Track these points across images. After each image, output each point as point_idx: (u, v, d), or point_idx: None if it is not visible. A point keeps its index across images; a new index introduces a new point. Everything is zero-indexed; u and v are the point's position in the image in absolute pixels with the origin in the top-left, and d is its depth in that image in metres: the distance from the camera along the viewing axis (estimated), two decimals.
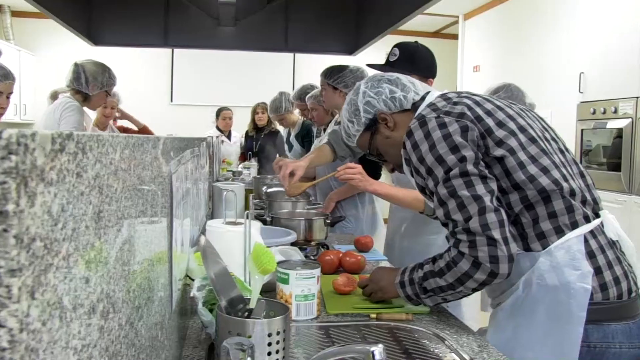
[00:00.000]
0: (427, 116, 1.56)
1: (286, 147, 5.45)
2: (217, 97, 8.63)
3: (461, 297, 1.56)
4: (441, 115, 1.55)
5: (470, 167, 1.47)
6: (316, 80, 4.98)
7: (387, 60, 2.67)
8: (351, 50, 4.19)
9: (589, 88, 5.26)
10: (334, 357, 0.85)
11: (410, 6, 3.14)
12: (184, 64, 8.76)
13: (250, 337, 1.08)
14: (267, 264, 1.24)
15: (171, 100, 8.77)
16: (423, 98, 1.71)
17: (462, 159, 1.47)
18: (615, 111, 4.83)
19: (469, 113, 1.54)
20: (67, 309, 0.43)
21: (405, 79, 1.76)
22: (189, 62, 8.70)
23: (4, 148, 0.31)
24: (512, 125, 1.55)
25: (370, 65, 3.23)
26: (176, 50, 8.67)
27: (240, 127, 6.65)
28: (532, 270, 1.50)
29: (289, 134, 5.35)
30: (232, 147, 6.29)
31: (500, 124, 1.54)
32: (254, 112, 6.11)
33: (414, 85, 1.75)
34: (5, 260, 0.31)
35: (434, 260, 1.54)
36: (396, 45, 2.66)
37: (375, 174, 3.44)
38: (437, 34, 9.57)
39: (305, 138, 4.95)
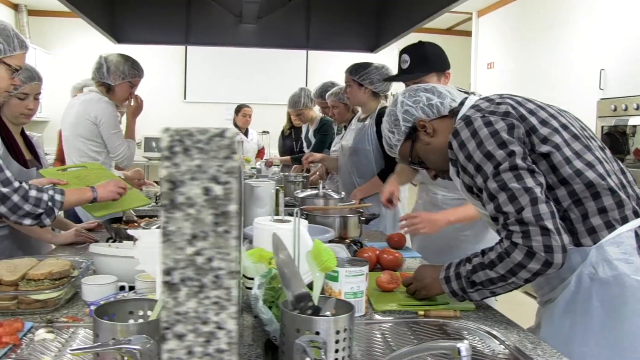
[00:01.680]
0: (473, 116, 1.60)
1: (304, 143, 5.46)
2: (230, 94, 8.63)
3: (511, 290, 1.56)
4: (486, 114, 1.59)
5: (519, 161, 1.50)
6: (329, 77, 5.00)
7: (400, 69, 2.69)
8: (372, 47, 4.19)
9: (610, 84, 5.23)
10: (420, 353, 0.86)
11: (434, 5, 3.14)
12: (197, 62, 8.76)
13: (318, 334, 1.09)
14: (328, 261, 1.25)
15: (184, 98, 8.78)
16: (462, 103, 1.74)
17: (511, 154, 1.51)
18: (637, 108, 4.80)
19: (513, 112, 1.59)
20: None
21: (440, 87, 1.81)
22: (202, 60, 8.70)
23: (227, 147, 0.31)
24: (554, 123, 1.60)
25: (387, 79, 3.26)
26: (189, 48, 8.68)
27: (252, 124, 6.64)
28: (583, 265, 1.52)
29: (307, 130, 5.36)
30: (250, 144, 6.28)
31: (544, 122, 1.58)
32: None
33: (450, 93, 1.79)
34: (227, 262, 0.32)
35: (483, 253, 1.55)
36: (403, 52, 2.67)
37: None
38: (450, 30, 9.54)
39: (320, 132, 4.95)
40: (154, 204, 3.74)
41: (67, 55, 8.22)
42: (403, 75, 2.65)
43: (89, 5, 3.35)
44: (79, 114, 3.21)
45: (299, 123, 6.07)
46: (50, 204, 1.98)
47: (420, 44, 2.68)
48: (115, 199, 2.31)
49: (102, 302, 1.50)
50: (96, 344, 0.98)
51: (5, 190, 1.88)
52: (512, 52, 7.28)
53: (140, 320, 1.20)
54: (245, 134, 6.38)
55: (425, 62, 2.59)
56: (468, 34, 8.65)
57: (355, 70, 3.45)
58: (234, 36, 4.08)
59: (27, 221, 1.96)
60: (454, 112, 1.73)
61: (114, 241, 2.38)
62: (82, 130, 3.21)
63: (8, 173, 1.90)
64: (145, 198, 2.63)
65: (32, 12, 8.34)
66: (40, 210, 1.96)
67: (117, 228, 2.40)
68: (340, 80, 4.59)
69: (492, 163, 1.52)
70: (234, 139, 0.30)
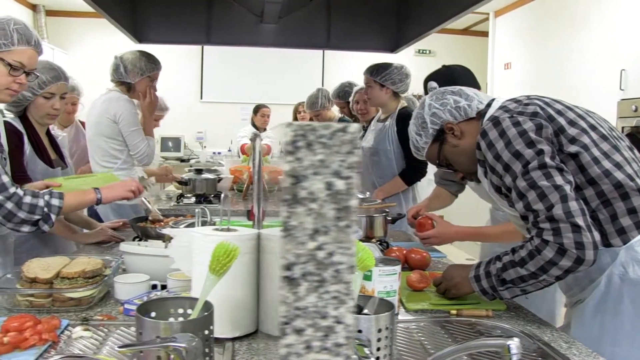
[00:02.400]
0: (501, 117, 1.60)
1: None
2: (246, 94, 8.65)
3: (542, 288, 1.56)
4: (514, 115, 1.59)
5: (547, 160, 1.50)
6: (345, 77, 4.99)
7: None
8: (393, 48, 4.17)
9: (630, 85, 5.19)
10: (469, 351, 0.85)
11: (457, 6, 3.12)
12: (213, 62, 8.79)
13: (360, 332, 1.08)
14: (367, 260, 1.24)
15: (201, 98, 8.81)
16: (489, 105, 1.74)
17: (540, 152, 1.51)
18: None
19: (541, 112, 1.59)
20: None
21: (468, 89, 1.82)
22: (218, 60, 8.73)
23: (349, 142, 0.31)
24: (582, 123, 1.60)
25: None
26: (206, 49, 8.72)
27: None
28: (613, 266, 1.52)
29: None
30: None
31: (572, 123, 1.59)
32: (296, 111, 6.10)
33: (477, 95, 1.79)
34: (347, 256, 0.32)
35: (513, 250, 1.55)
36: (429, 79, 2.60)
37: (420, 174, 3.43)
38: (466, 31, 9.49)
39: None
40: (175, 203, 3.76)
41: (84, 55, 8.26)
42: None
43: (112, 5, 3.37)
44: (100, 113, 3.23)
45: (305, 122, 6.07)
46: (46, 209, 1.90)
47: (447, 69, 2.62)
48: (128, 198, 2.19)
49: (144, 300, 1.51)
50: (143, 342, 0.99)
51: None
52: (529, 52, 7.24)
53: (181, 319, 1.21)
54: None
55: (455, 84, 2.53)
56: (485, 34, 8.62)
57: (377, 71, 3.45)
58: (255, 36, 4.08)
59: (25, 228, 1.89)
60: (481, 114, 1.74)
61: (140, 240, 2.39)
62: (103, 128, 3.23)
63: (5, 178, 1.83)
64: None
65: (49, 13, 8.40)
66: (37, 217, 1.88)
67: (143, 227, 2.41)
68: (357, 80, 4.60)
69: (520, 162, 1.52)
70: (356, 134, 0.30)
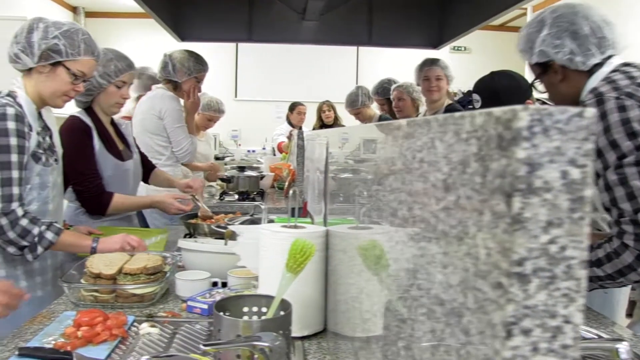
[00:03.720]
0: (606, 95, 1.45)
1: None
2: (280, 92, 8.66)
3: (620, 287, 1.50)
4: (622, 96, 1.43)
5: None
6: (380, 74, 4.95)
7: (473, 109, 2.50)
8: (435, 44, 4.13)
9: None
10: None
11: (503, 3, 3.06)
12: (247, 60, 8.82)
13: None
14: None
15: (235, 96, 8.84)
16: (602, 62, 1.59)
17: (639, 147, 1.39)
18: None
19: None
20: None
21: (592, 37, 1.59)
22: (252, 58, 8.75)
23: (585, 128, 0.29)
24: None
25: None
26: (240, 47, 8.74)
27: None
28: None
29: None
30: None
31: None
32: (320, 110, 6.12)
33: (598, 48, 1.59)
34: (579, 250, 0.29)
35: (590, 248, 1.48)
36: (474, 90, 2.45)
37: None
38: (502, 27, 9.35)
39: None
40: (219, 200, 3.76)
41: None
42: None
43: (157, 4, 3.39)
44: (146, 110, 3.24)
45: (330, 121, 6.04)
46: (36, 239, 1.78)
47: (490, 77, 2.45)
48: (119, 250, 1.92)
49: (206, 297, 1.51)
50: (228, 340, 0.98)
51: None
52: None
53: (255, 317, 1.19)
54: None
55: (498, 99, 2.34)
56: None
57: (437, 65, 3.48)
58: (296, 33, 4.08)
59: (11, 249, 1.78)
60: (592, 71, 1.59)
61: (191, 236, 2.39)
62: (148, 124, 3.24)
63: (15, 190, 1.75)
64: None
65: (89, 14, 8.53)
66: (25, 243, 1.77)
67: (195, 224, 2.41)
68: (394, 77, 4.57)
69: (616, 153, 1.40)
70: (593, 119, 0.28)
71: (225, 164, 6.29)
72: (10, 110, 1.73)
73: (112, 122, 2.54)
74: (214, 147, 8.34)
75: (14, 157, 1.73)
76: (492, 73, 2.47)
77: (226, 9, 4.02)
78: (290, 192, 1.49)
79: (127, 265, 1.68)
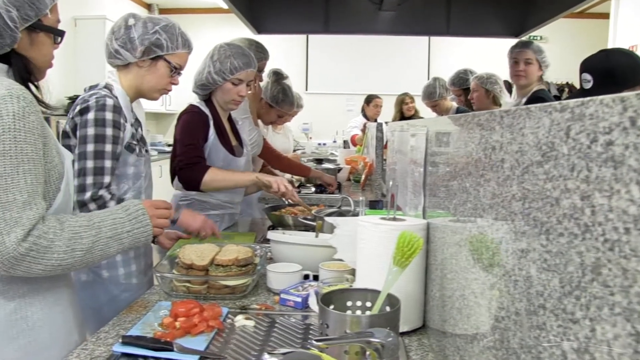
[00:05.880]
0: None
1: None
2: (351, 85, 8.63)
3: None
4: None
5: None
6: (452, 65, 4.79)
7: (581, 90, 2.31)
8: (517, 33, 3.97)
9: None
10: None
11: None
12: (318, 53, 8.83)
13: None
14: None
15: (306, 89, 8.85)
16: None
17: None
18: None
19: None
20: None
21: None
22: (322, 51, 8.75)
23: None
24: None
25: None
26: (310, 39, 8.76)
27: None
28: None
29: None
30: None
31: None
32: (402, 102, 6.01)
33: None
34: None
35: None
36: (584, 69, 2.25)
37: None
38: (582, 14, 8.96)
39: None
40: (298, 190, 3.75)
41: (196, 51, 8.51)
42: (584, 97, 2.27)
43: None
44: None
45: (411, 113, 5.93)
46: None
47: (603, 55, 2.25)
48: (197, 233, 1.98)
49: (325, 291, 1.48)
50: (341, 336, 0.94)
51: (86, 193, 1.72)
52: None
53: (358, 312, 1.15)
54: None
55: (613, 78, 2.13)
56: (604, 16, 8.09)
57: (539, 49, 3.31)
58: (373, 24, 4.01)
59: None
60: None
61: (275, 228, 2.38)
62: None
63: (106, 179, 1.75)
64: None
65: (162, 11, 8.75)
66: None
67: (279, 215, 2.40)
68: (469, 67, 4.43)
69: None
70: None
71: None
72: (109, 102, 1.76)
73: (229, 119, 2.56)
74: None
75: (108, 147, 1.76)
76: (604, 50, 2.30)
77: (303, 1, 3.99)
78: (390, 183, 1.44)
79: (219, 256, 1.67)
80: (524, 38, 3.93)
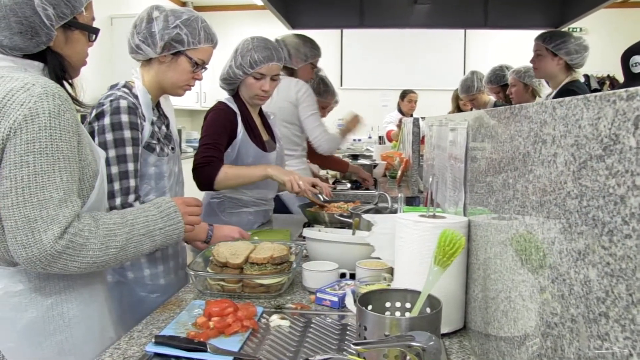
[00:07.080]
0: None
1: None
2: (386, 80, 8.54)
3: None
4: None
5: None
6: (489, 59, 4.68)
7: (629, 74, 2.22)
8: (556, 24, 3.85)
9: None
10: None
11: None
12: (352, 48, 8.76)
13: None
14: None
15: (341, 85, 8.79)
16: None
17: None
18: None
19: None
20: None
21: None
22: (357, 46, 8.68)
23: None
24: None
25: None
26: (345, 34, 8.70)
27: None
28: None
29: None
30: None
31: None
32: (458, 97, 5.88)
33: None
34: None
35: None
36: (634, 51, 2.16)
37: None
38: (624, 4, 8.69)
39: None
40: (332, 189, 3.71)
41: (224, 47, 8.53)
42: (634, 83, 2.13)
43: None
44: (279, 100, 3.01)
45: (467, 109, 5.81)
46: None
47: None
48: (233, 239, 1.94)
49: (335, 289, 1.45)
50: (381, 339, 0.90)
51: (116, 200, 1.69)
52: None
53: (397, 313, 1.11)
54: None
55: None
56: None
57: (551, 38, 3.13)
58: (408, 17, 3.94)
59: None
60: None
61: (309, 225, 2.35)
62: (284, 114, 3.07)
63: (132, 182, 1.73)
64: None
65: (197, 8, 8.77)
66: None
67: (315, 212, 2.36)
68: (505, 61, 4.31)
69: None
70: None
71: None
72: (123, 103, 1.71)
73: (261, 113, 2.50)
74: None
75: (129, 150, 1.72)
76: None
77: None
78: (430, 180, 1.39)
79: (253, 254, 1.64)
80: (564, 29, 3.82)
